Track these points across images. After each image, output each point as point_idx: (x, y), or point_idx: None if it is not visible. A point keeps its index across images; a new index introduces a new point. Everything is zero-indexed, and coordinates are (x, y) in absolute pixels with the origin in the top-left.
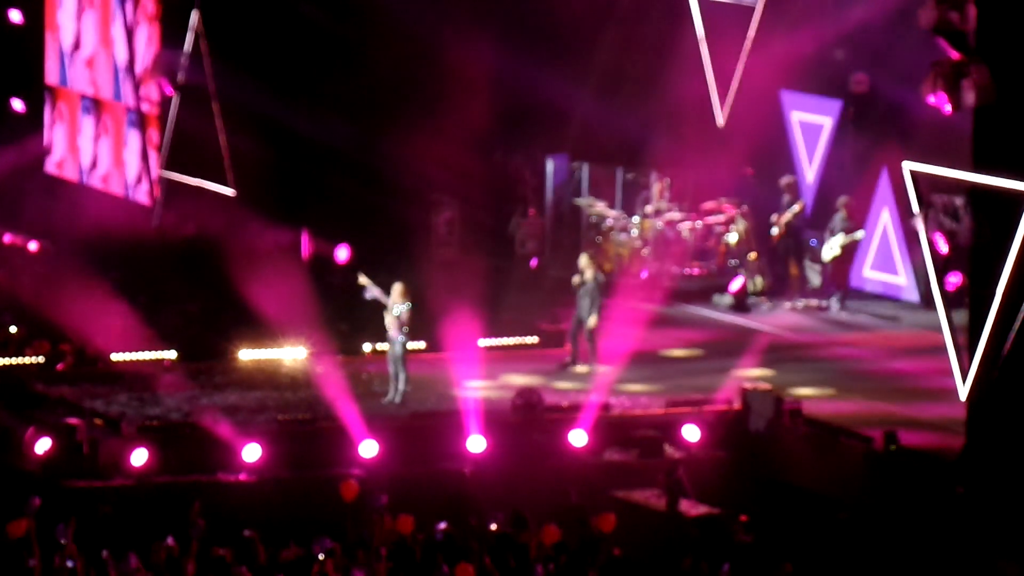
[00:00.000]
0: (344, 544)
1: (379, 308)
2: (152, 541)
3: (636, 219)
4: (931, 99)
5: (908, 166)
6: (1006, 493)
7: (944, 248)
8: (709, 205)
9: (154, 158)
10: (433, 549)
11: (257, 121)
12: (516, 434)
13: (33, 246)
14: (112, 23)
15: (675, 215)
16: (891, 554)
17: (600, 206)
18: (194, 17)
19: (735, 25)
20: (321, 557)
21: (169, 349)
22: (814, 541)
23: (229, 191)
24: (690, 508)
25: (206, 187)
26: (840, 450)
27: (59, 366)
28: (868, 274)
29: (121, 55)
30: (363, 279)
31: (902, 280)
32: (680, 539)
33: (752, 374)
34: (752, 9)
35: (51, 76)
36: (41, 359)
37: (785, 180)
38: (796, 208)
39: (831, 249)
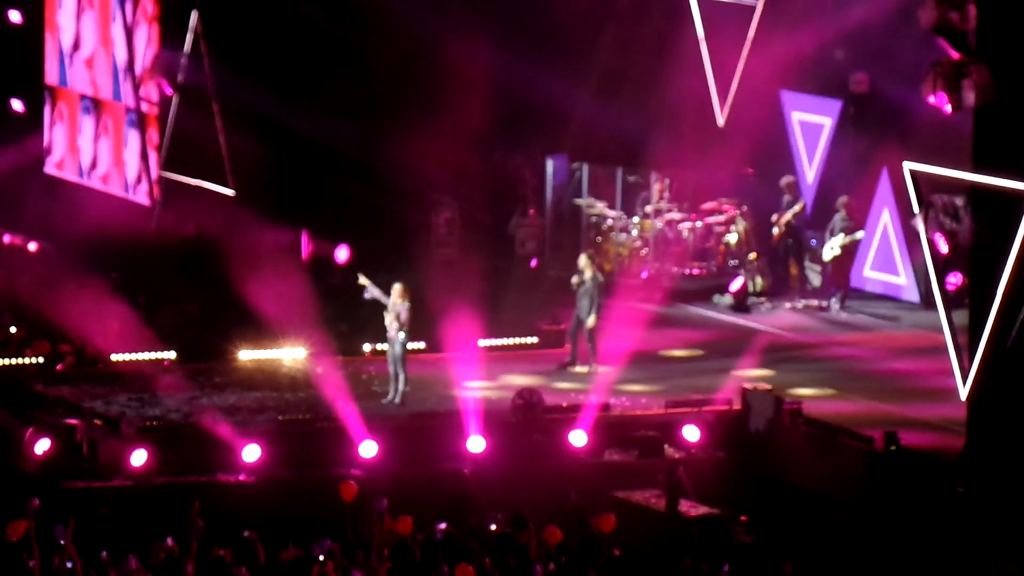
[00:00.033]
0: (344, 545)
1: (379, 308)
2: (152, 542)
3: (636, 219)
4: (931, 99)
5: (908, 166)
6: (1006, 493)
7: (944, 248)
8: (709, 205)
9: (154, 158)
10: (433, 549)
11: (257, 121)
12: (516, 434)
13: (33, 246)
14: (112, 23)
15: (675, 215)
16: (891, 554)
17: (600, 206)
18: (194, 17)
19: (735, 25)
20: (321, 558)
21: (169, 349)
22: (814, 541)
23: (229, 191)
24: (690, 508)
25: (206, 187)
26: (840, 450)
27: (59, 366)
28: (868, 274)
29: (121, 55)
30: (363, 279)
31: (902, 280)
32: (680, 539)
33: (752, 374)
34: (752, 9)
35: (51, 76)
36: (41, 359)
37: (785, 180)
38: (796, 208)
39: (831, 249)
